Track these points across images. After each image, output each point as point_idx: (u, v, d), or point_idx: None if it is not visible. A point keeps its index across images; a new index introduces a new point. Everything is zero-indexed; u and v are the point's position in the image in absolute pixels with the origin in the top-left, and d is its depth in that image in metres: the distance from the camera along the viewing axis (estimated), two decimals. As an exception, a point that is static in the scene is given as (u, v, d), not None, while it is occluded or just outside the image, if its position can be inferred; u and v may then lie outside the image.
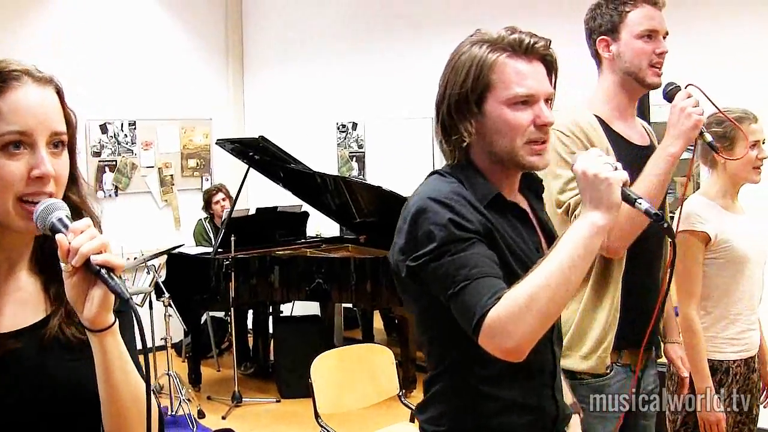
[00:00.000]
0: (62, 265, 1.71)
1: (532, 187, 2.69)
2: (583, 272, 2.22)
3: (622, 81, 3.36)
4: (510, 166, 2.48)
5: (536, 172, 2.63)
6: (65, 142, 1.88)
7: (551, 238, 2.58)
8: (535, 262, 2.39)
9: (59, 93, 1.91)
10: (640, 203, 2.26)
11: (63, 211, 1.77)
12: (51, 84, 1.90)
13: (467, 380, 2.45)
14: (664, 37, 3.34)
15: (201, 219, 10.05)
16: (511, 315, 2.16)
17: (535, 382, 2.49)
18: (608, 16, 3.34)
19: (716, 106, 3.31)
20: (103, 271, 1.67)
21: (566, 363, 3.25)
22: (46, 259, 1.94)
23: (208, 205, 9.80)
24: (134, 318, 1.74)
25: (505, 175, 2.52)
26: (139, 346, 1.88)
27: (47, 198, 1.81)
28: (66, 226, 1.73)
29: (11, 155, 1.79)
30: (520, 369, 2.34)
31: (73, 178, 1.95)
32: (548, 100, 2.46)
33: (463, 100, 2.43)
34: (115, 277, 1.68)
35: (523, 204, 2.59)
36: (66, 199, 1.90)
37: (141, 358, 1.90)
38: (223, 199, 9.61)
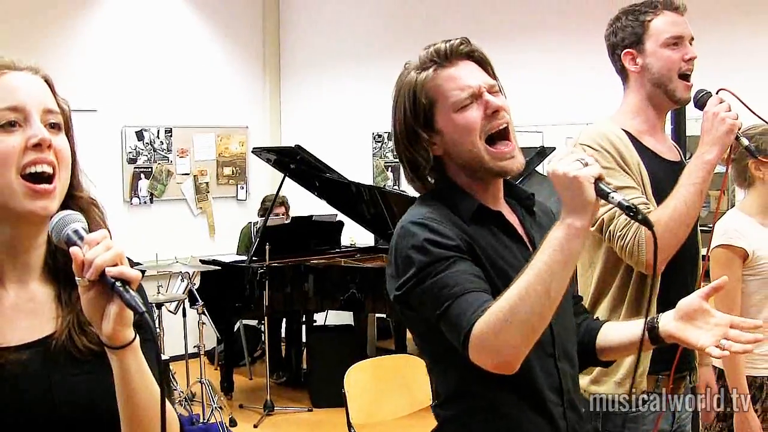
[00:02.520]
0: (78, 280, 1.68)
1: (523, 202, 2.59)
2: (565, 279, 2.11)
3: (651, 95, 3.26)
4: (484, 175, 2.42)
5: (524, 184, 2.56)
6: (61, 125, 1.88)
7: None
8: None
9: (48, 82, 1.92)
10: (613, 197, 2.08)
11: (79, 223, 1.74)
12: (39, 73, 1.91)
13: (474, 404, 2.41)
14: (690, 42, 3.24)
15: (251, 222, 10.07)
16: (493, 329, 2.10)
17: (540, 400, 2.40)
18: (630, 28, 3.25)
19: (750, 110, 3.18)
20: (118, 284, 1.63)
21: (601, 389, 3.19)
22: (58, 266, 1.91)
23: (266, 211, 9.77)
24: (150, 332, 1.69)
25: (485, 186, 2.46)
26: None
27: (64, 210, 1.79)
28: (81, 238, 1.70)
29: (7, 132, 1.79)
30: (524, 387, 2.33)
31: (76, 174, 1.94)
32: (493, 92, 2.40)
33: (410, 130, 2.42)
34: (131, 291, 1.64)
35: (510, 216, 2.51)
36: (75, 198, 1.90)
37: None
38: (283, 214, 9.61)
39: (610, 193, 2.09)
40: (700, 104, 3.12)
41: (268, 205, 9.58)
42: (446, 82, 2.38)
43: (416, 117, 2.41)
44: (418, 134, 2.41)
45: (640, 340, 2.32)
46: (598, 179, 2.09)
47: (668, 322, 2.36)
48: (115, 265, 1.65)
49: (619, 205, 2.08)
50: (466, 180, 2.45)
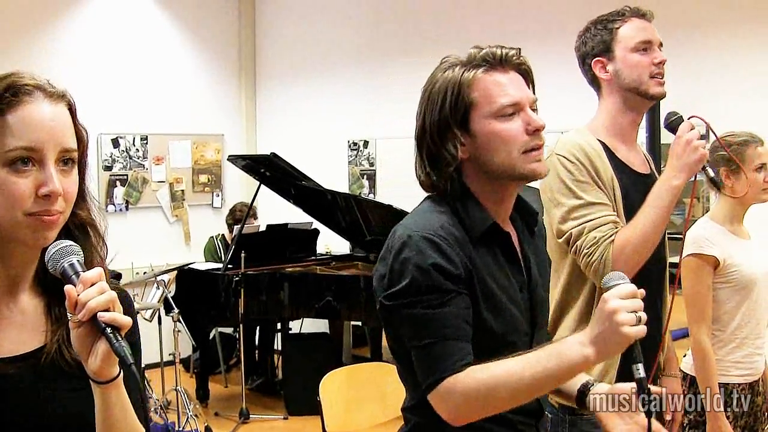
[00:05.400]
0: (69, 315, 1.69)
1: (528, 219, 2.60)
2: (551, 388, 2.24)
3: (625, 99, 3.28)
4: (510, 181, 2.41)
5: (532, 201, 2.58)
6: (75, 159, 1.85)
7: (530, 275, 2.51)
8: (517, 302, 2.39)
9: (71, 109, 1.88)
10: (638, 369, 2.09)
11: (75, 257, 1.75)
12: (63, 100, 1.86)
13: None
14: (660, 48, 3.27)
15: (212, 237, 10.08)
16: (466, 395, 2.16)
17: (511, 420, 2.41)
18: (599, 36, 3.28)
19: (717, 138, 3.20)
20: (109, 330, 1.65)
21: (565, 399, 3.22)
22: (49, 278, 1.89)
23: (236, 222, 9.70)
24: (137, 377, 1.70)
25: (501, 197, 2.45)
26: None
27: (62, 240, 1.79)
28: (77, 273, 1.71)
29: (19, 172, 1.75)
30: None
31: (82, 193, 1.92)
32: (534, 108, 2.40)
33: (444, 125, 2.37)
34: (120, 338, 1.66)
35: (514, 236, 2.51)
36: (73, 215, 1.89)
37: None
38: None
39: (636, 363, 2.10)
40: (671, 127, 3.13)
41: (239, 216, 9.59)
42: (494, 87, 2.35)
43: (455, 113, 2.36)
44: (452, 131, 2.37)
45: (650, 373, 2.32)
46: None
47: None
48: (108, 309, 1.66)
49: (639, 381, 2.09)
50: (483, 189, 2.43)
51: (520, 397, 2.17)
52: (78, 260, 1.75)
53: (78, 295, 1.67)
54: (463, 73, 2.37)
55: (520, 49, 2.43)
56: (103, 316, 1.65)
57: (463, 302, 2.28)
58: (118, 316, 1.67)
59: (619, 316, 2.05)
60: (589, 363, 2.11)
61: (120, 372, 1.75)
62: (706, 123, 3.12)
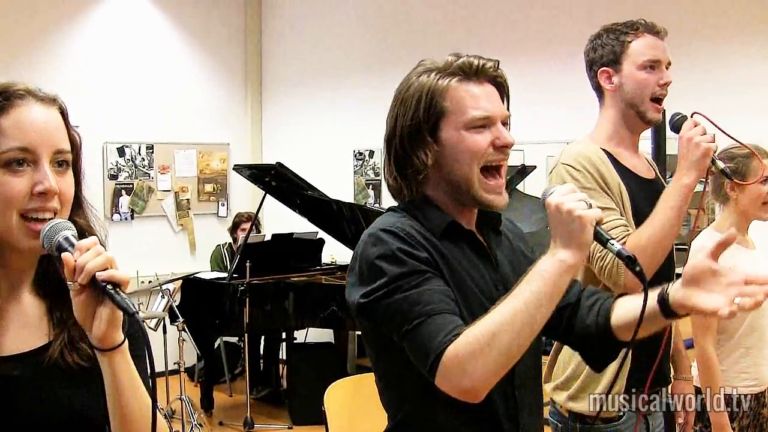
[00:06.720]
0: (69, 284, 1.72)
1: (491, 222, 2.53)
2: (549, 311, 2.09)
3: (624, 113, 3.29)
4: (467, 201, 2.38)
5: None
6: (69, 161, 1.89)
7: (503, 276, 2.45)
8: (492, 300, 2.28)
9: (63, 114, 1.92)
10: (612, 244, 2.08)
11: (69, 231, 1.78)
12: (55, 104, 1.91)
13: (425, 431, 2.36)
14: (667, 67, 3.27)
15: (219, 245, 10.08)
16: (471, 353, 2.05)
17: (495, 430, 2.36)
18: (609, 46, 3.27)
19: (723, 131, 3.15)
20: (109, 286, 1.68)
21: (578, 406, 3.21)
22: (50, 282, 1.94)
23: (235, 227, 9.82)
24: (141, 332, 1.74)
25: (461, 208, 2.42)
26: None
27: (53, 218, 1.82)
28: (72, 245, 1.74)
29: (14, 172, 1.80)
30: (480, 417, 2.28)
31: (79, 201, 1.95)
32: (505, 123, 2.37)
33: (415, 130, 2.34)
34: (121, 293, 1.69)
35: (481, 238, 2.47)
36: (72, 223, 1.90)
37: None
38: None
39: (609, 239, 2.10)
40: (676, 127, 3.12)
41: (236, 220, 9.68)
42: (468, 98, 2.33)
43: (427, 119, 2.33)
44: (423, 137, 2.33)
45: (627, 351, 2.27)
46: (598, 222, 2.09)
47: (676, 291, 2.14)
48: (106, 269, 1.69)
49: (618, 253, 2.08)
50: (444, 198, 2.40)
51: (523, 332, 2.05)
52: (72, 234, 1.78)
53: (75, 260, 1.70)
54: (438, 80, 2.35)
55: (498, 61, 2.40)
56: (101, 275, 1.68)
57: (440, 282, 2.23)
58: (116, 273, 1.70)
59: (566, 205, 2.09)
60: (568, 264, 2.07)
61: (125, 339, 1.78)
62: (708, 119, 3.07)
